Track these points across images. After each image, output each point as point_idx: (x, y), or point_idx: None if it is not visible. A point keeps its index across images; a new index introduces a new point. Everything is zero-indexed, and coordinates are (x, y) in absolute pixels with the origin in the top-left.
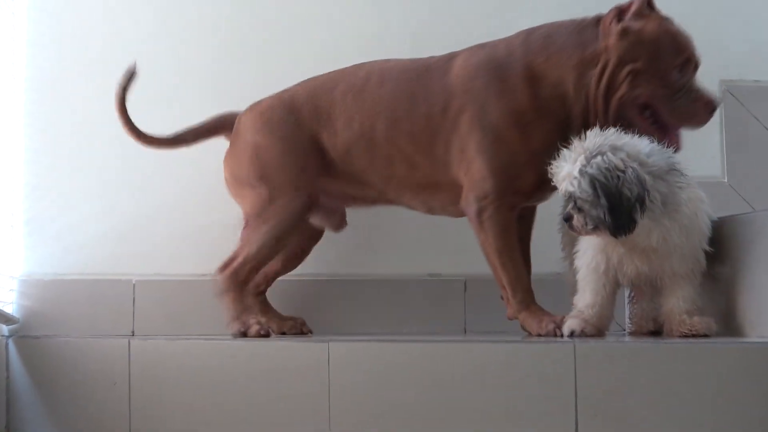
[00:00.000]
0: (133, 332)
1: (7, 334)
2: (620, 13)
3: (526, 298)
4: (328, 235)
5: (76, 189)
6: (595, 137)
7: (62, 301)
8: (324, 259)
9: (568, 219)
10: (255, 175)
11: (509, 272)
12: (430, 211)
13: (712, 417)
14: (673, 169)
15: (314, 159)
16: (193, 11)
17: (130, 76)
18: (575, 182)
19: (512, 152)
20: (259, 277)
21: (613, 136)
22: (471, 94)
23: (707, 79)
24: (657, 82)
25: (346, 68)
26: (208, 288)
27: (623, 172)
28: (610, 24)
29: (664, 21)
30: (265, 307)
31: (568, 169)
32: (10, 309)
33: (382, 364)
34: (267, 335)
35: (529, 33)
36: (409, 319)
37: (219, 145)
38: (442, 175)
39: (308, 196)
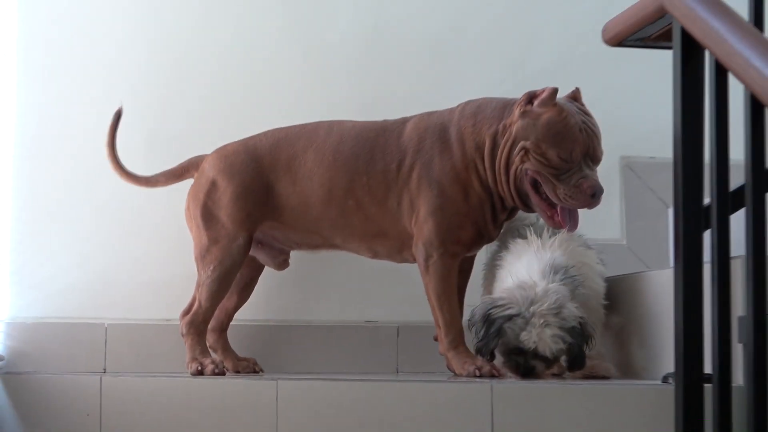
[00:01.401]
0: (104, 369)
1: None
2: (531, 97)
3: (456, 339)
4: (277, 285)
5: (56, 244)
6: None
7: (43, 342)
8: (274, 306)
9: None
10: (203, 214)
11: (445, 314)
12: (375, 256)
13: None
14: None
15: (263, 205)
16: (180, 60)
17: (117, 118)
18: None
19: (454, 205)
20: (221, 314)
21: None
22: (420, 153)
23: (609, 154)
24: (542, 161)
25: (307, 124)
26: (171, 331)
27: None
28: (518, 105)
29: (564, 112)
30: (225, 346)
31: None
32: None
33: (325, 400)
34: (222, 374)
35: (467, 103)
36: (349, 360)
37: (181, 204)
38: (392, 225)
39: (246, 238)
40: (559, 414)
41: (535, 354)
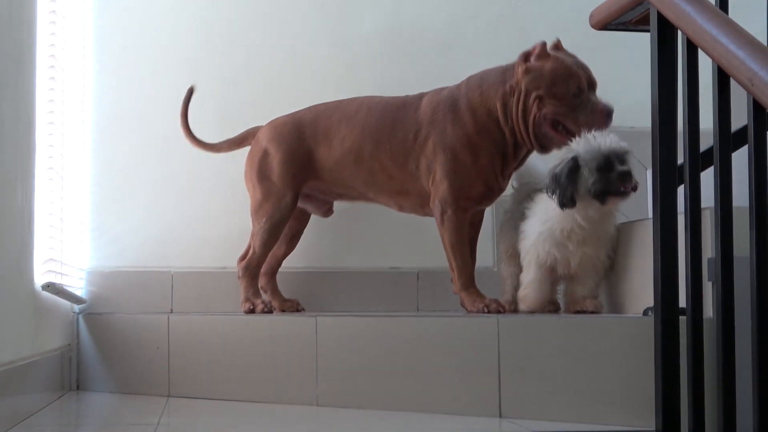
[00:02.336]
0: (171, 310)
1: (77, 311)
2: (527, 56)
3: (467, 282)
4: (317, 237)
5: (130, 204)
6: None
7: (119, 287)
8: (313, 256)
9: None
10: (258, 175)
11: (458, 260)
12: (402, 209)
13: (599, 370)
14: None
15: (306, 167)
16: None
17: (190, 94)
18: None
19: (465, 168)
20: (272, 260)
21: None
22: (434, 124)
23: None
24: (557, 102)
25: (342, 100)
26: (227, 277)
27: None
28: (518, 66)
29: (560, 58)
30: (274, 288)
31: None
32: (80, 293)
33: (356, 334)
34: (270, 312)
35: (471, 77)
36: (376, 301)
37: (236, 169)
38: (412, 184)
39: (293, 196)
40: (555, 343)
41: (613, 158)
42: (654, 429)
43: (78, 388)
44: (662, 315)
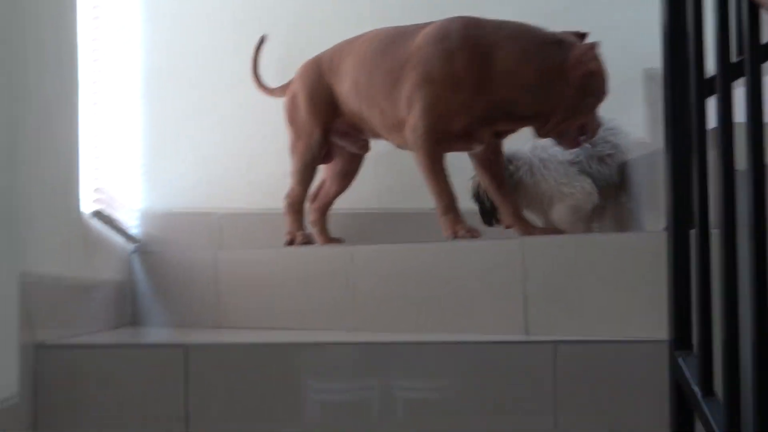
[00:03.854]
0: (221, 245)
1: (132, 250)
2: (583, 55)
3: (445, 207)
4: (359, 180)
5: (181, 149)
6: None
7: (170, 227)
8: (356, 197)
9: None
10: (290, 116)
11: (434, 188)
12: (400, 147)
13: (620, 285)
14: None
15: (328, 105)
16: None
17: (261, 43)
18: None
19: (446, 103)
20: (324, 197)
21: None
22: (422, 58)
23: (633, 67)
24: (593, 112)
25: (359, 35)
26: (271, 217)
27: None
28: (581, 63)
29: (604, 68)
30: (322, 225)
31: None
32: (135, 232)
33: (390, 263)
34: (309, 243)
35: (501, 24)
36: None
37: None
38: (402, 118)
39: (321, 134)
40: (578, 261)
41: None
42: (668, 338)
43: (133, 323)
44: (675, 232)
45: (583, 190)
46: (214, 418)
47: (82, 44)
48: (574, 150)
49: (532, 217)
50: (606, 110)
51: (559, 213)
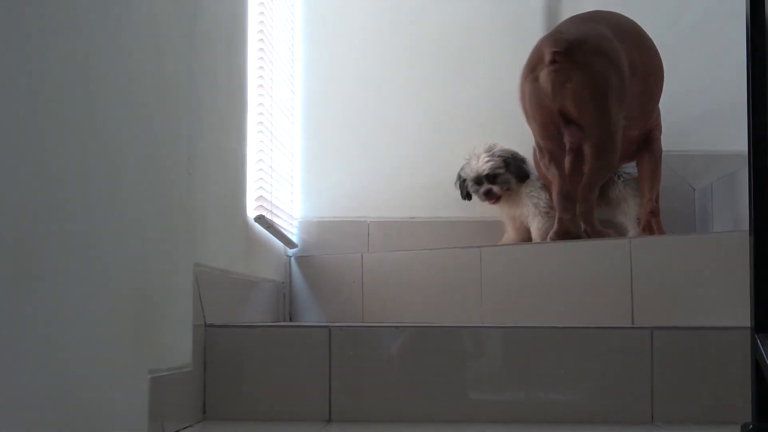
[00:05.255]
0: (367, 249)
1: (290, 254)
2: None
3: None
4: None
5: (332, 165)
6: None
7: (323, 234)
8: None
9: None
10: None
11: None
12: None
13: (712, 280)
14: None
15: None
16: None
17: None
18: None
19: None
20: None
21: None
22: None
23: None
24: None
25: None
26: (415, 225)
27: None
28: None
29: None
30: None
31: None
32: (293, 238)
33: (514, 262)
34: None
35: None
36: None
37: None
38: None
39: None
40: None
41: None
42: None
43: (291, 319)
44: (755, 230)
45: None
46: (352, 389)
47: (251, 72)
48: None
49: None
50: None
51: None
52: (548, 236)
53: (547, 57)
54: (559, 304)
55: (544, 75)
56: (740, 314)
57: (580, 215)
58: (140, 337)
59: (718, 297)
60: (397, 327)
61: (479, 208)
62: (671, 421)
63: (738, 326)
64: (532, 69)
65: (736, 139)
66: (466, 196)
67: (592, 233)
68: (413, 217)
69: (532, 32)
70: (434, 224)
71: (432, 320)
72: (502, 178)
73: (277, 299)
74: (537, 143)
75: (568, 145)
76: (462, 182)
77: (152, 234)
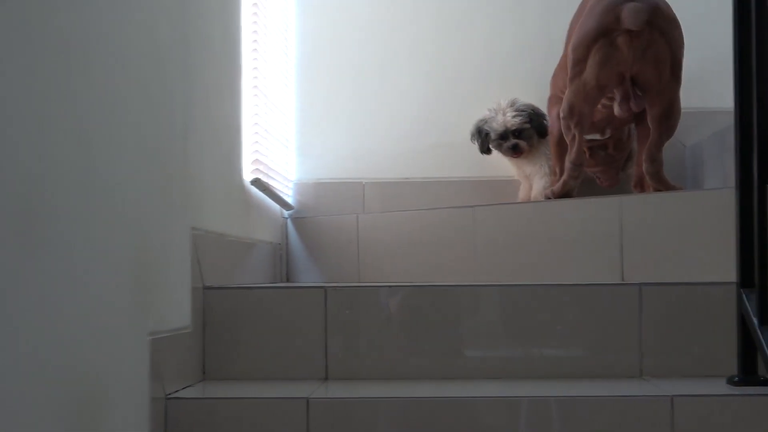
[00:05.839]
0: (363, 210)
1: (287, 216)
2: None
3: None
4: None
5: (329, 126)
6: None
7: (320, 195)
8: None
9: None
10: None
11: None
12: None
13: (701, 237)
14: None
15: None
16: None
17: None
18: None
19: None
20: None
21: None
22: None
23: None
24: None
25: None
26: (406, 185)
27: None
28: None
29: None
30: None
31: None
32: (289, 200)
33: (507, 220)
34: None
35: None
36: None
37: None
38: None
39: None
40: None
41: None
42: (734, 281)
43: (288, 280)
44: (740, 189)
45: None
46: (348, 348)
47: (245, 36)
48: None
49: None
50: None
51: None
52: (547, 194)
53: (629, 23)
54: (552, 261)
55: (623, 40)
56: (728, 270)
57: (650, 175)
58: (140, 300)
59: (707, 253)
60: (390, 287)
61: (476, 168)
62: (659, 375)
63: (724, 281)
64: (604, 33)
65: (727, 97)
66: (487, 150)
67: (665, 190)
68: (408, 178)
69: None
70: (429, 184)
71: (428, 279)
72: (527, 132)
73: (274, 261)
74: (570, 106)
75: (628, 113)
76: (484, 136)
77: (149, 199)
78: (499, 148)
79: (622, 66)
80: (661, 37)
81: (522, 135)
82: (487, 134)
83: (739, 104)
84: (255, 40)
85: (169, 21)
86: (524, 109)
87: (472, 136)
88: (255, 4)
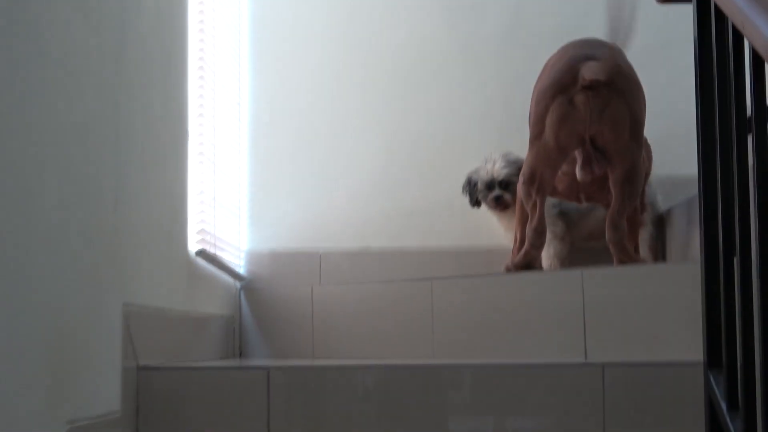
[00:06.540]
0: (319, 281)
1: (239, 286)
2: None
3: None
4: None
5: (282, 194)
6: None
7: (274, 265)
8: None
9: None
10: None
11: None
12: None
13: (666, 313)
14: None
15: None
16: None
17: None
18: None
19: None
20: None
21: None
22: None
23: None
24: None
25: None
26: (366, 256)
27: None
28: None
29: None
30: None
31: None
32: (240, 270)
33: (465, 294)
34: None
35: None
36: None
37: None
38: None
39: None
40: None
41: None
42: (702, 360)
43: (241, 354)
44: (706, 265)
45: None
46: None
47: (192, 100)
48: None
49: None
50: None
51: None
52: (507, 266)
53: (586, 81)
54: (512, 337)
55: (580, 99)
56: (697, 348)
57: (613, 243)
58: (57, 385)
59: (674, 330)
60: (339, 367)
61: (436, 237)
62: None
63: (691, 361)
64: (562, 90)
65: (693, 164)
66: (476, 202)
67: (628, 260)
68: (366, 248)
69: (486, 57)
70: (388, 254)
71: (384, 355)
72: (514, 186)
73: (227, 334)
74: (531, 170)
75: (590, 176)
76: (473, 187)
77: (72, 276)
78: (484, 199)
79: (579, 126)
80: (620, 97)
81: (509, 188)
82: (476, 184)
83: (703, 175)
84: (201, 104)
85: (98, 88)
86: (514, 162)
87: (463, 187)
88: (201, 68)
